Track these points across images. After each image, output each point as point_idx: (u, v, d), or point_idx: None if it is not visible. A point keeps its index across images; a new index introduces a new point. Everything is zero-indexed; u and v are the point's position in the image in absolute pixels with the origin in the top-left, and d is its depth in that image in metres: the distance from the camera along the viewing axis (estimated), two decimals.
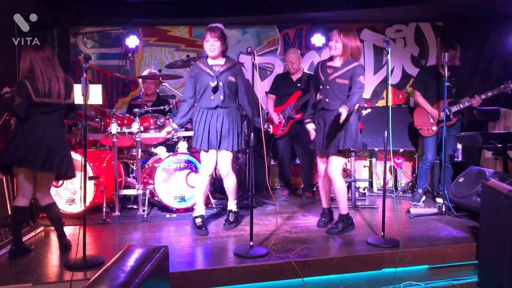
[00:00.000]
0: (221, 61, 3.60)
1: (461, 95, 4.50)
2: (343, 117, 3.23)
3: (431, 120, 4.54)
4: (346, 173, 5.64)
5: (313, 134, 3.66)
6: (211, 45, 3.49)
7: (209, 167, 3.66)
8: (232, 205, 3.81)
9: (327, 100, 3.50)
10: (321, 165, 3.71)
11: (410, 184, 5.44)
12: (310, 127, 3.66)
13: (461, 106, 4.40)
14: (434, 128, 4.52)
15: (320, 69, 3.61)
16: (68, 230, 3.54)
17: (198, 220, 3.66)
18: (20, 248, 3.15)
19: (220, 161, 3.65)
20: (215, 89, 3.51)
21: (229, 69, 3.57)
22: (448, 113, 4.40)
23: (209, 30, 3.50)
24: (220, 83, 3.52)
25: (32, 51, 3.11)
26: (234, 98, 3.65)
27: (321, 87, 3.56)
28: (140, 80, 5.12)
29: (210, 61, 3.60)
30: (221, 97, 3.53)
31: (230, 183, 3.70)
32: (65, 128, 3.34)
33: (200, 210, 3.71)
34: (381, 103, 5.76)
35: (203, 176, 3.68)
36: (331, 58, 3.62)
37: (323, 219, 3.85)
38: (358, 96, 3.39)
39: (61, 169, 3.15)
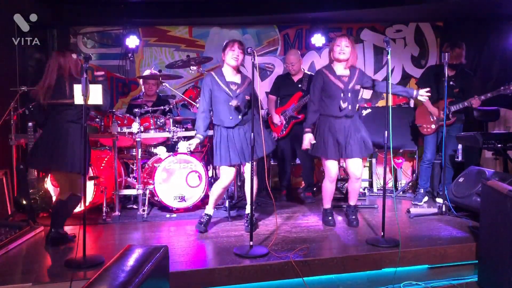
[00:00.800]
0: (237, 77, 3.60)
1: (466, 95, 4.47)
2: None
3: (432, 119, 4.55)
4: (346, 173, 5.64)
5: (307, 145, 3.71)
6: (237, 55, 3.50)
7: (229, 180, 3.66)
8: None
9: (350, 107, 3.60)
10: (334, 169, 3.73)
11: (410, 184, 5.44)
12: (309, 137, 3.69)
13: (461, 106, 4.40)
14: (434, 126, 4.52)
15: (333, 77, 3.64)
16: (68, 230, 3.54)
17: (205, 217, 3.69)
18: (63, 235, 3.38)
19: (247, 169, 3.66)
20: (235, 110, 3.52)
21: (246, 89, 3.58)
22: (448, 112, 4.40)
23: (237, 41, 3.52)
24: (239, 104, 3.53)
25: (53, 55, 3.34)
26: (249, 112, 3.61)
27: (342, 95, 3.59)
28: (141, 81, 5.12)
29: (228, 77, 3.57)
30: (239, 117, 3.54)
31: (254, 186, 3.64)
32: (77, 124, 3.28)
33: (210, 209, 3.73)
34: (381, 103, 5.76)
35: (221, 187, 3.67)
36: (330, 66, 3.70)
37: (330, 218, 3.87)
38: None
39: (64, 166, 3.22)
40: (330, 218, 3.87)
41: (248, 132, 3.51)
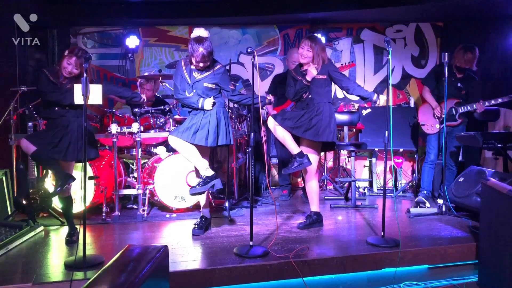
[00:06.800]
0: (203, 67, 3.47)
1: (469, 99, 4.46)
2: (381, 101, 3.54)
3: (435, 117, 4.53)
4: (346, 172, 5.65)
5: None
6: (202, 56, 3.33)
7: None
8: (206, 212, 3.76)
9: (310, 96, 3.61)
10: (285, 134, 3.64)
11: (410, 184, 5.44)
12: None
13: (468, 108, 4.39)
14: (438, 126, 4.49)
15: (296, 74, 3.66)
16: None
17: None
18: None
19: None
20: (193, 97, 3.47)
21: (206, 77, 3.48)
22: (454, 113, 4.40)
23: (197, 41, 3.31)
24: (194, 91, 3.46)
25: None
26: (214, 100, 3.50)
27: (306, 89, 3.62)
28: (138, 85, 5.10)
29: (193, 64, 3.47)
30: (199, 105, 3.44)
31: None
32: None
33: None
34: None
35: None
36: (301, 66, 3.69)
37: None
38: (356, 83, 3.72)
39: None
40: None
41: (213, 118, 3.45)
